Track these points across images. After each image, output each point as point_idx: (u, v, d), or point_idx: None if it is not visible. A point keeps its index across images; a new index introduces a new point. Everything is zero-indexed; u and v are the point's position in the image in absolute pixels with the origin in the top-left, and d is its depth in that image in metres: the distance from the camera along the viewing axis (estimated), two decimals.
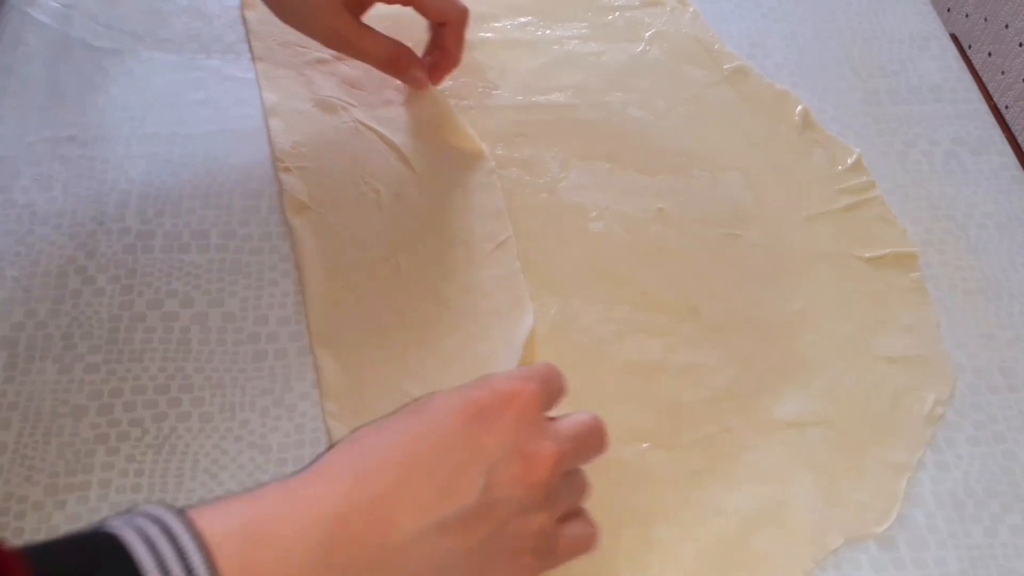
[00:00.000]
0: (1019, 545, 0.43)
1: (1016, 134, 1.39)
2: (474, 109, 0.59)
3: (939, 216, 0.55)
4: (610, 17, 0.65)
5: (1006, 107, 1.41)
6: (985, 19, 1.44)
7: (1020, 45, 1.37)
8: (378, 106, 0.57)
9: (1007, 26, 1.39)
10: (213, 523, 0.29)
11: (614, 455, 0.44)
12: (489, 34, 0.63)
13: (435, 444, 0.33)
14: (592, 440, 0.38)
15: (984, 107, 0.61)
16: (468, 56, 0.62)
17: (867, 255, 0.53)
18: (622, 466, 0.44)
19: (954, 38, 1.24)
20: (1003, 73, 1.42)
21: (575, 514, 0.38)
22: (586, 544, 0.37)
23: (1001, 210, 0.56)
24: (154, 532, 0.28)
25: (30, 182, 0.54)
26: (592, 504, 0.38)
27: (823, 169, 0.57)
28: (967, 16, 1.48)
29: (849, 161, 0.57)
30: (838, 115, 0.60)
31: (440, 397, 0.35)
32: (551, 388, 0.38)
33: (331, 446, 0.41)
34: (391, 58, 0.53)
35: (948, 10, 1.52)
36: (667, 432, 0.46)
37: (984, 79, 1.45)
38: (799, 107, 0.60)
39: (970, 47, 1.48)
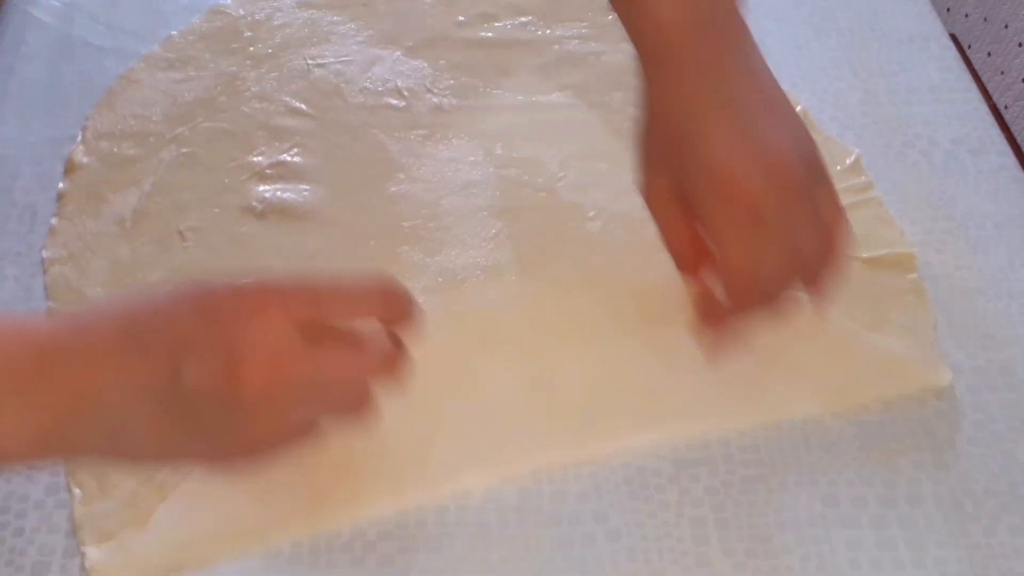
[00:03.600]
0: (1018, 545, 0.43)
1: (1015, 134, 1.39)
2: (474, 109, 0.59)
3: (938, 216, 0.55)
4: (610, 17, 0.65)
5: (1005, 107, 1.41)
6: (984, 19, 1.44)
7: (1019, 45, 1.37)
8: None
9: (1007, 26, 1.39)
10: None
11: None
12: (489, 34, 0.63)
13: (154, 319, 0.34)
14: (358, 365, 0.37)
15: (983, 107, 0.61)
16: (468, 56, 0.62)
17: (865, 255, 0.53)
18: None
19: (953, 38, 1.23)
20: (1002, 73, 1.42)
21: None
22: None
23: (1000, 210, 0.56)
24: None
25: (31, 181, 0.55)
26: None
27: None
28: (966, 16, 1.48)
29: (847, 161, 0.57)
30: (837, 115, 0.60)
31: (197, 282, 0.36)
32: (334, 300, 0.37)
33: None
34: (679, 248, 0.44)
35: (947, 10, 1.52)
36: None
37: (983, 79, 1.45)
38: (797, 108, 0.60)
39: (969, 47, 1.48)
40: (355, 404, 0.38)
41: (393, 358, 0.38)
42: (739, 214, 0.38)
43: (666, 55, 0.40)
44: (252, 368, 0.33)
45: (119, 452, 0.35)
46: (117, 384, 0.33)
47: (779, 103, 0.40)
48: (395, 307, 0.39)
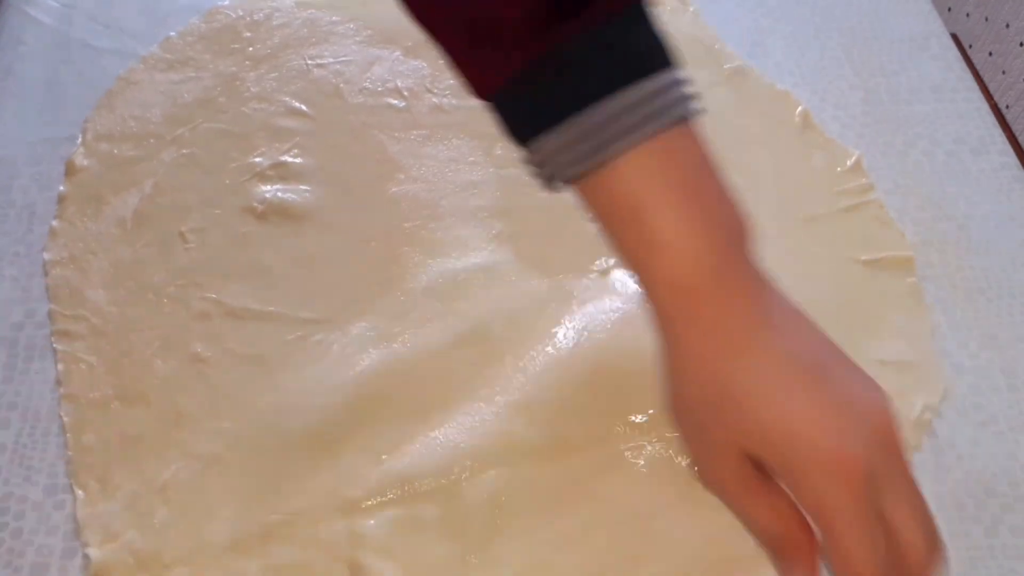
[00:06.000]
0: (1020, 546, 0.43)
1: (1017, 134, 1.39)
2: (474, 109, 0.59)
3: (940, 216, 0.55)
4: None
5: (1007, 107, 1.41)
6: (986, 19, 1.44)
7: (1021, 45, 1.37)
8: None
9: (1008, 25, 1.39)
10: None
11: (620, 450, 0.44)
12: None
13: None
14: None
15: (985, 107, 0.61)
16: None
17: (864, 258, 0.53)
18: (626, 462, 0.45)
19: (955, 38, 1.23)
20: (1004, 73, 1.41)
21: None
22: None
23: (1002, 210, 0.56)
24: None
25: (29, 182, 0.55)
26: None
27: (822, 171, 0.57)
28: (968, 15, 1.48)
29: (848, 163, 0.57)
30: (838, 115, 0.60)
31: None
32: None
33: None
34: (778, 537, 0.34)
35: (949, 9, 1.52)
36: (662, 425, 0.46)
37: (985, 79, 1.45)
38: (799, 108, 0.60)
39: (971, 47, 1.48)
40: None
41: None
42: (847, 488, 0.31)
43: (692, 311, 0.34)
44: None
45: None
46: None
47: (832, 345, 0.35)
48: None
